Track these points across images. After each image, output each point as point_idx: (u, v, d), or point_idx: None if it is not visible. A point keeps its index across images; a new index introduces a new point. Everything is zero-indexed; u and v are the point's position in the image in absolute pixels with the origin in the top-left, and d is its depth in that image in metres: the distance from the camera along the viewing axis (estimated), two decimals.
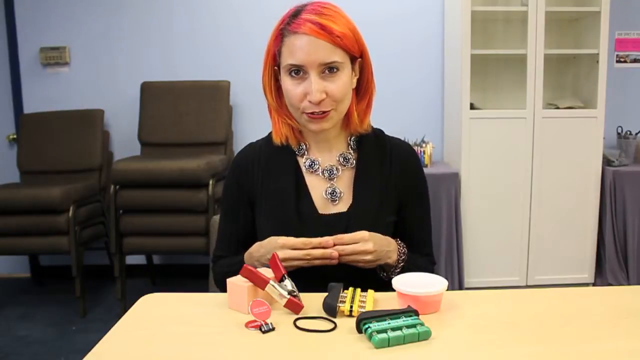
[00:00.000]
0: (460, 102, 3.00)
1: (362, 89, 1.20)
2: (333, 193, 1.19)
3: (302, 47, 1.08)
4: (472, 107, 3.03)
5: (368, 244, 1.08)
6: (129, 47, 3.43)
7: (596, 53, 2.97)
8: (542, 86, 2.94)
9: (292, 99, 1.12)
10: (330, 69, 1.10)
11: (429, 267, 1.24)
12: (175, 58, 3.43)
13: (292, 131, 1.21)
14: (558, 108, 3.09)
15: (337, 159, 1.22)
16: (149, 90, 3.31)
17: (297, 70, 1.10)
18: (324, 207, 1.19)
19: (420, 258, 1.23)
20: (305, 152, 1.22)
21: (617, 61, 3.41)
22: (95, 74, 3.45)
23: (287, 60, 1.11)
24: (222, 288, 1.22)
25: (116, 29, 3.42)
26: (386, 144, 1.24)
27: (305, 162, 1.22)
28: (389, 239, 1.16)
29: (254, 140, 1.28)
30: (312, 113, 1.11)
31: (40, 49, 3.41)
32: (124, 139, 3.43)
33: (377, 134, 1.25)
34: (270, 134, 1.24)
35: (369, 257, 1.09)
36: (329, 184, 1.20)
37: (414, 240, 1.24)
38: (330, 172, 1.20)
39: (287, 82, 1.13)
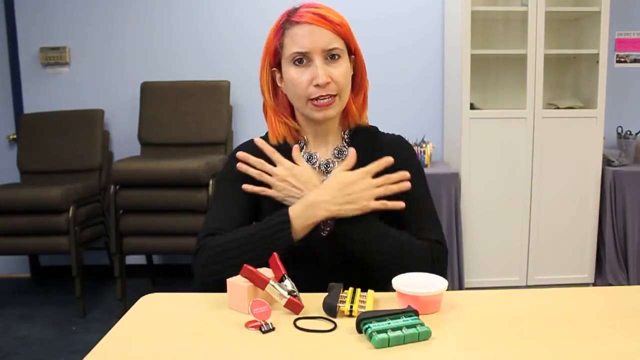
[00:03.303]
0: (460, 102, 3.00)
1: (357, 85, 1.25)
2: None
3: (305, 35, 1.13)
4: (472, 107, 3.03)
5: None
6: (129, 47, 3.43)
7: (596, 53, 2.97)
8: (542, 86, 2.94)
9: (297, 87, 1.15)
10: (332, 56, 1.15)
11: (422, 251, 1.13)
12: (175, 58, 3.43)
13: (289, 130, 1.23)
14: (558, 108, 3.09)
15: (332, 152, 1.25)
16: (149, 90, 3.31)
17: (301, 59, 1.14)
18: None
19: (412, 238, 1.14)
20: (304, 147, 1.25)
21: (617, 61, 3.41)
22: (95, 74, 3.45)
23: (291, 49, 1.15)
24: (215, 267, 1.10)
25: (116, 29, 3.42)
26: (377, 137, 1.27)
27: (303, 157, 1.23)
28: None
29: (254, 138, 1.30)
30: (318, 100, 1.14)
31: (40, 49, 3.41)
32: (124, 139, 3.43)
33: (370, 129, 1.29)
34: (267, 134, 1.26)
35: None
36: (325, 177, 1.22)
37: (416, 222, 1.18)
38: (326, 165, 1.24)
39: (291, 72, 1.15)
